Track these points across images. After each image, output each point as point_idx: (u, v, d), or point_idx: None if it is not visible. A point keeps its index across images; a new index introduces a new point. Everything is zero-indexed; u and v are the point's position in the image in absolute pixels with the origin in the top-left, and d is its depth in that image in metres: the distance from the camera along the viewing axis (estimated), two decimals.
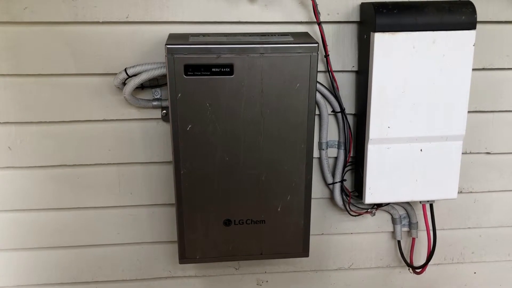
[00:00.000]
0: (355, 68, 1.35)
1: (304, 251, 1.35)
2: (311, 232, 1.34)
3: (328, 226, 1.52)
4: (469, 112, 1.30)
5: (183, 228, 1.28)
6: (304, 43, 1.16)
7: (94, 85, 1.31)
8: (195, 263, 1.48)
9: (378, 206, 1.45)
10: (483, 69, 1.39)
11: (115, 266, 1.50)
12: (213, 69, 1.14)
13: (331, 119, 1.39)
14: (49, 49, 1.27)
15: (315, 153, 1.38)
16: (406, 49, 1.22)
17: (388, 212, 1.51)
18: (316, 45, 1.15)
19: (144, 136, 1.37)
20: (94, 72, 1.29)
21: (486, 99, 1.43)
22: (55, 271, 1.49)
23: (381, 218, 1.53)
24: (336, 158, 1.41)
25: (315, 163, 1.41)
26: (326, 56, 1.30)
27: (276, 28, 1.30)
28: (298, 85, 1.17)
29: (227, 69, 1.14)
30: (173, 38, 1.19)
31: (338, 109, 1.36)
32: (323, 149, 1.39)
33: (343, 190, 1.42)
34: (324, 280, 1.59)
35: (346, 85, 1.37)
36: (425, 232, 1.45)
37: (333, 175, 1.41)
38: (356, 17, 1.30)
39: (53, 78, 1.30)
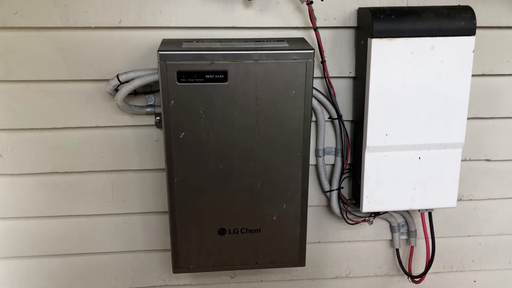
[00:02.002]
0: (352, 74, 1.33)
1: (300, 261, 1.33)
2: (307, 240, 1.32)
3: (325, 234, 1.50)
4: (468, 118, 1.28)
5: (176, 237, 1.26)
6: (300, 49, 1.13)
7: (86, 92, 1.29)
8: (190, 273, 1.46)
9: (376, 214, 1.43)
10: (483, 75, 1.37)
11: (108, 274, 1.48)
12: (206, 76, 1.12)
13: (328, 126, 1.37)
14: (40, 54, 1.24)
15: (312, 160, 1.36)
16: (404, 55, 1.19)
17: (386, 220, 1.49)
18: (312, 51, 1.13)
19: (138, 143, 1.34)
20: (86, 78, 1.27)
21: (486, 106, 1.41)
22: (47, 279, 1.46)
23: (379, 226, 1.51)
24: (333, 165, 1.39)
25: (312, 170, 1.39)
26: (323, 62, 1.27)
27: (272, 34, 1.28)
28: (293, 92, 1.15)
29: (221, 76, 1.12)
30: (166, 44, 1.17)
31: (335, 115, 1.33)
32: (320, 156, 1.37)
33: (340, 198, 1.40)
34: None
35: (343, 91, 1.35)
36: (424, 240, 1.42)
37: (330, 182, 1.39)
38: (353, 23, 1.28)
39: (44, 84, 1.27)
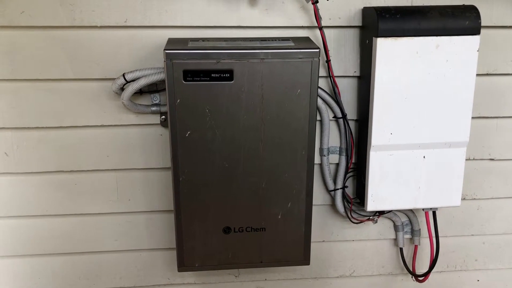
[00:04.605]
0: (357, 74, 1.33)
1: (305, 259, 1.33)
2: (312, 239, 1.32)
3: (329, 233, 1.50)
4: (473, 118, 1.28)
5: (181, 236, 1.26)
6: (305, 48, 1.14)
7: (91, 90, 1.29)
8: (194, 271, 1.46)
9: (380, 213, 1.43)
10: (487, 74, 1.37)
11: (113, 273, 1.48)
12: (212, 75, 1.12)
13: (333, 125, 1.37)
14: (46, 53, 1.25)
15: (317, 159, 1.36)
16: (409, 55, 1.20)
17: (390, 219, 1.49)
18: (318, 50, 1.13)
19: (143, 142, 1.35)
20: (92, 77, 1.27)
21: (490, 105, 1.41)
22: (52, 278, 1.47)
23: (383, 225, 1.51)
24: (337, 165, 1.39)
25: (316, 169, 1.39)
26: (328, 61, 1.28)
27: (277, 33, 1.28)
28: (299, 90, 1.16)
29: (227, 75, 1.12)
30: (172, 43, 1.18)
31: (339, 114, 1.34)
32: (325, 155, 1.37)
33: (344, 197, 1.40)
34: None
35: (348, 90, 1.35)
36: (428, 239, 1.43)
37: (335, 181, 1.39)
38: (358, 22, 1.29)
39: (50, 83, 1.28)
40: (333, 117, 1.35)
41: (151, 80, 1.21)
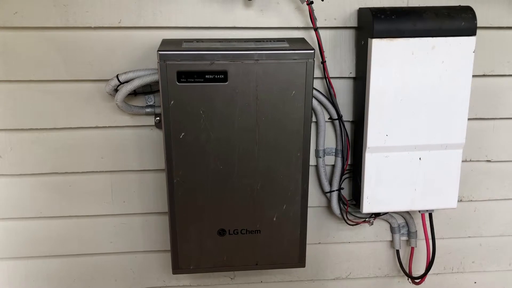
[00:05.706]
0: (353, 75, 1.33)
1: (300, 261, 1.32)
2: (308, 241, 1.32)
3: (325, 235, 1.49)
4: (469, 119, 1.28)
5: (176, 238, 1.25)
6: (300, 49, 1.13)
7: (85, 92, 1.28)
8: (189, 274, 1.46)
9: (376, 215, 1.42)
10: (484, 75, 1.37)
11: (108, 275, 1.47)
12: (206, 76, 1.11)
13: (328, 127, 1.36)
14: (39, 54, 1.24)
15: (312, 161, 1.36)
16: (404, 56, 1.19)
17: (387, 221, 1.49)
18: (312, 51, 1.12)
19: (137, 144, 1.34)
20: (86, 78, 1.27)
21: (486, 106, 1.40)
22: (46, 281, 1.46)
23: (380, 227, 1.50)
24: (333, 166, 1.39)
25: (312, 171, 1.38)
26: (323, 62, 1.27)
27: (272, 34, 1.28)
28: (294, 92, 1.15)
29: (221, 76, 1.12)
30: (166, 44, 1.17)
31: (335, 116, 1.33)
32: (320, 157, 1.37)
33: (340, 198, 1.39)
34: None
35: (343, 91, 1.34)
36: (424, 241, 1.42)
37: (331, 183, 1.39)
38: (353, 23, 1.28)
39: (44, 84, 1.27)
40: (328, 119, 1.35)
41: (144, 82, 1.20)
